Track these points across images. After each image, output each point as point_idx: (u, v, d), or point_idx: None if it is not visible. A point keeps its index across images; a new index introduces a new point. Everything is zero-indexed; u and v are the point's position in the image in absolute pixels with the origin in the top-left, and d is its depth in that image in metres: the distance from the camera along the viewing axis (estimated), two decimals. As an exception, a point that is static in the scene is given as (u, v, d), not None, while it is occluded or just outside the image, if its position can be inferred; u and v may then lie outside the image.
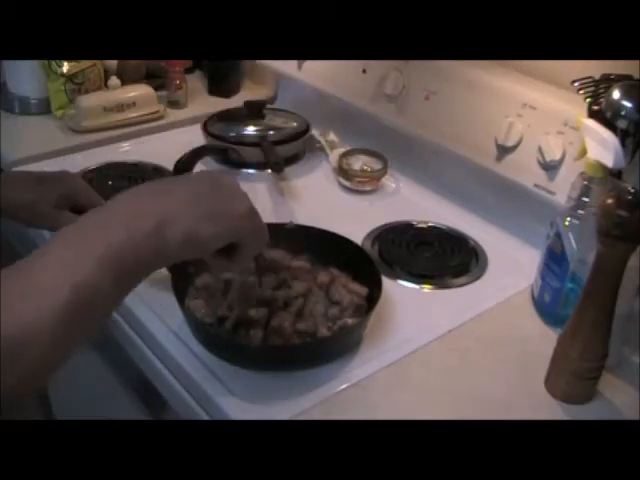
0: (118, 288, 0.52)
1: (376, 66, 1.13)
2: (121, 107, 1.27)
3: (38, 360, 0.47)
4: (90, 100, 1.26)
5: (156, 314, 0.81)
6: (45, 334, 0.47)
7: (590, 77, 0.81)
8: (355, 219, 1.03)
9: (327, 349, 0.76)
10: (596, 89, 0.79)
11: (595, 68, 0.81)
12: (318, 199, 1.11)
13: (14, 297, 0.47)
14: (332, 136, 1.23)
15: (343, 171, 1.13)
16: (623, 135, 0.73)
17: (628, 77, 0.78)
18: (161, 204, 0.55)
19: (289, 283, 0.81)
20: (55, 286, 0.48)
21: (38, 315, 0.47)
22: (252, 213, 0.61)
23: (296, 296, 0.79)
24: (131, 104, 1.28)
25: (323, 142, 1.22)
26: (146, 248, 0.53)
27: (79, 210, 0.83)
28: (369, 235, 0.99)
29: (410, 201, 1.11)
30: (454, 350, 0.79)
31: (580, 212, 0.78)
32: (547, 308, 0.84)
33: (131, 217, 0.53)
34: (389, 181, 1.15)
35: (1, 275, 0.48)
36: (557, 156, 0.90)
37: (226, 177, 0.62)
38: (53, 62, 1.26)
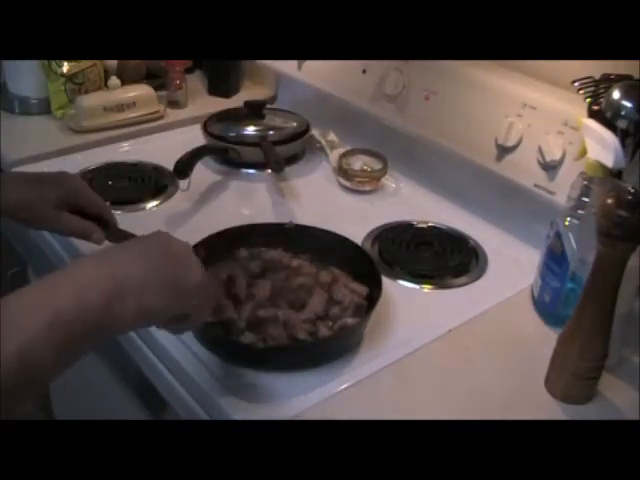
0: (64, 354, 0.51)
1: (376, 66, 1.13)
2: (121, 107, 1.27)
3: None
4: (90, 100, 1.26)
5: (156, 314, 0.81)
6: None
7: (590, 77, 0.81)
8: (355, 219, 1.03)
9: (327, 349, 0.76)
10: (596, 89, 0.79)
11: (595, 68, 0.81)
12: (318, 199, 1.11)
13: None
14: (332, 136, 1.23)
15: (343, 171, 1.13)
16: (623, 135, 0.73)
17: (628, 77, 0.78)
18: (112, 276, 0.54)
19: (291, 281, 0.81)
20: (3, 341, 0.47)
21: None
22: (204, 284, 0.61)
23: (299, 290, 0.80)
24: (131, 104, 1.28)
25: (323, 142, 1.22)
26: (96, 320, 0.52)
27: (78, 211, 0.83)
28: (369, 235, 0.99)
29: (410, 201, 1.11)
30: (454, 350, 0.79)
31: (580, 212, 0.78)
32: (547, 308, 0.84)
33: (80, 287, 0.52)
34: (389, 181, 1.15)
35: None
36: (557, 156, 0.90)
37: (179, 244, 0.61)
38: (53, 62, 1.26)
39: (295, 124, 1.23)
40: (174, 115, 1.35)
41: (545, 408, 0.72)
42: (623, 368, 0.77)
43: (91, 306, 0.52)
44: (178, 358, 0.75)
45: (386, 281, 0.84)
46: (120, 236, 0.86)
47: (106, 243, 0.84)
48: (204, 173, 1.14)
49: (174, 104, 1.37)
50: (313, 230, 0.90)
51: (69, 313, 0.51)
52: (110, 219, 0.86)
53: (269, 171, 1.13)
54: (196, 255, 0.62)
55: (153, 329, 0.78)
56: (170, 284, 0.58)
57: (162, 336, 0.78)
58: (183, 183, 1.06)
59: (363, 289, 0.82)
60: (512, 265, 0.94)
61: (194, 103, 1.40)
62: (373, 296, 0.80)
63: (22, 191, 0.81)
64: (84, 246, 0.90)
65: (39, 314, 0.50)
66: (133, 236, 0.85)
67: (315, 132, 1.24)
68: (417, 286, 0.90)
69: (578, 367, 0.71)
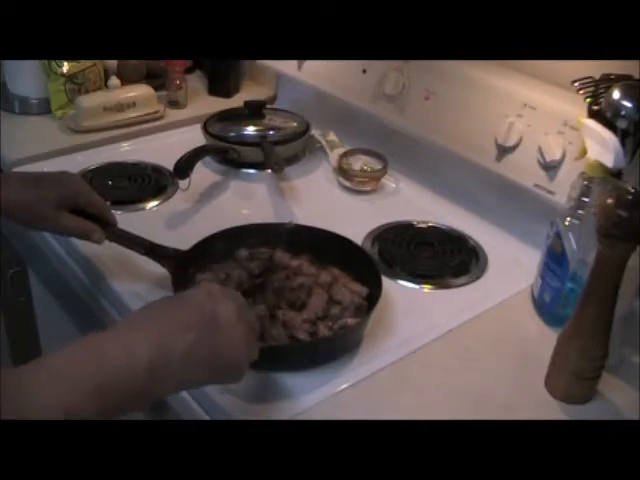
0: (105, 415, 0.52)
1: (376, 66, 1.13)
2: (121, 107, 1.27)
3: None
4: (90, 100, 1.26)
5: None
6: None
7: (590, 77, 0.81)
8: (355, 219, 1.03)
9: (327, 349, 0.76)
10: (596, 89, 0.79)
11: (595, 68, 0.81)
12: (318, 199, 1.11)
13: (13, 399, 0.47)
14: (332, 136, 1.23)
15: (343, 171, 1.13)
16: (623, 135, 0.73)
17: (628, 77, 0.78)
18: (158, 347, 0.54)
19: (291, 281, 0.81)
20: (51, 401, 0.49)
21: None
22: (248, 358, 0.61)
23: (299, 290, 0.80)
24: (131, 104, 1.28)
25: (323, 142, 1.22)
26: (140, 385, 0.53)
27: (79, 211, 0.83)
28: (369, 235, 0.99)
29: (410, 201, 1.11)
30: (454, 350, 0.79)
31: (580, 212, 0.78)
32: (547, 308, 0.84)
33: (129, 353, 0.53)
34: (389, 181, 1.15)
35: (3, 374, 0.48)
36: (557, 156, 0.90)
37: (226, 310, 0.59)
38: (53, 62, 1.26)
39: (295, 124, 1.23)
40: (174, 115, 1.35)
41: (545, 408, 0.72)
42: (623, 368, 0.77)
43: (138, 373, 0.53)
44: (178, 358, 0.75)
45: (386, 281, 0.84)
46: (120, 236, 0.86)
47: (107, 244, 0.85)
48: (204, 173, 1.14)
49: (174, 104, 1.37)
50: (313, 230, 0.90)
51: (114, 378, 0.52)
52: (110, 219, 0.86)
53: (269, 171, 1.13)
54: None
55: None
56: (214, 359, 0.58)
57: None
58: (183, 183, 1.06)
59: (363, 289, 0.82)
60: (512, 265, 0.94)
61: (194, 103, 1.40)
62: (373, 296, 0.80)
63: (22, 191, 0.81)
64: (84, 246, 0.90)
65: (86, 375, 0.51)
66: (134, 236, 0.85)
67: (315, 132, 1.24)
68: (417, 286, 0.90)
69: (578, 367, 0.71)
